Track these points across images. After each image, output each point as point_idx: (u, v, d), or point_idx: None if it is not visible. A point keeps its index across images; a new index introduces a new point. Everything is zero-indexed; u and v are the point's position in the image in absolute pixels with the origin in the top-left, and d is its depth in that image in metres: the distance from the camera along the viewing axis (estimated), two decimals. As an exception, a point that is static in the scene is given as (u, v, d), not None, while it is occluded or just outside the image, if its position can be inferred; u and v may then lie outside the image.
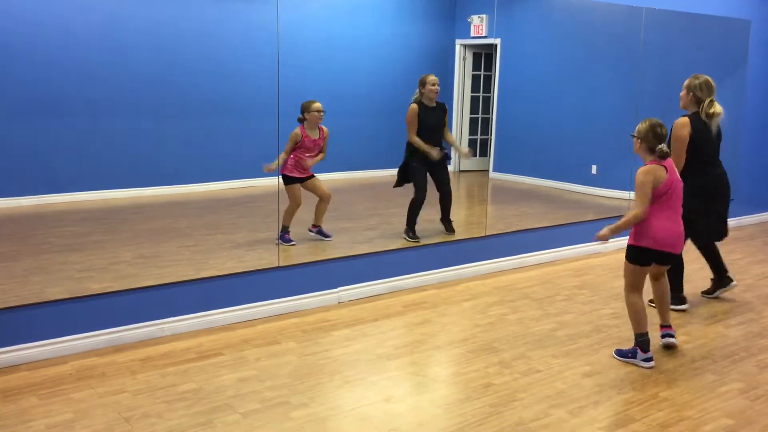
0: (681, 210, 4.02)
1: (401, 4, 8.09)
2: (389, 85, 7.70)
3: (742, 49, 7.64)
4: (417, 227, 5.90)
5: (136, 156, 6.01)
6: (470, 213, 7.34)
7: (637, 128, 4.00)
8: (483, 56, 8.61)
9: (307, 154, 5.64)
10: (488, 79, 8.62)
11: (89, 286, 4.43)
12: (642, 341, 4.04)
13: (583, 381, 3.79)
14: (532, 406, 3.48)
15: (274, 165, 5.48)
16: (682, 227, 4.02)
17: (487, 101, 8.64)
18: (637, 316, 4.05)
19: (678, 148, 4.66)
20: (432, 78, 5.89)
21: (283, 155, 5.55)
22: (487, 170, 8.14)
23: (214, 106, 6.44)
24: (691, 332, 4.58)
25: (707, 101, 4.71)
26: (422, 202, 5.95)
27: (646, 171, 3.91)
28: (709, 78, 4.77)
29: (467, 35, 8.30)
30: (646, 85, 7.31)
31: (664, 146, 3.92)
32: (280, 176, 5.58)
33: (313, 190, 5.75)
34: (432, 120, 5.92)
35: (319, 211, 5.82)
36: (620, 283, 5.65)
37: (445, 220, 6.11)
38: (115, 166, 5.89)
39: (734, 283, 5.27)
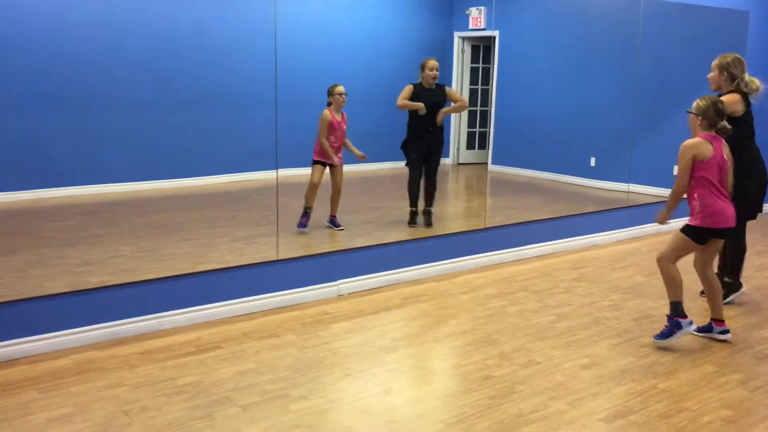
0: (727, 188, 4.10)
1: (400, -3, 8.07)
2: (387, 78, 7.68)
3: (741, 39, 7.62)
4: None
5: (134, 150, 6.00)
6: (469, 205, 7.34)
7: (695, 105, 4.04)
8: (481, 48, 8.60)
9: (332, 137, 5.83)
10: (487, 72, 8.62)
11: (88, 279, 4.43)
12: (680, 310, 4.13)
13: (582, 373, 3.80)
14: (532, 398, 3.49)
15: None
16: (731, 204, 4.11)
17: (486, 94, 8.63)
18: (675, 284, 4.13)
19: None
20: (431, 63, 6.03)
21: (322, 140, 5.78)
22: (486, 163, 8.13)
23: (213, 100, 6.43)
24: (690, 324, 4.58)
25: (747, 77, 4.68)
26: (415, 182, 6.14)
27: (688, 145, 3.99)
28: (737, 54, 4.76)
29: (465, 27, 8.28)
30: (645, 76, 7.30)
31: (725, 123, 3.99)
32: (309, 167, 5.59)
33: (333, 177, 5.93)
34: (426, 98, 5.99)
35: (333, 202, 6.00)
36: (619, 275, 5.66)
37: (426, 211, 6.19)
38: (114, 161, 5.88)
39: (743, 290, 5.15)
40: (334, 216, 5.98)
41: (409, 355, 4.00)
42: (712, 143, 3.99)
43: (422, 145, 6.07)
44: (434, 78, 6.00)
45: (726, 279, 5.05)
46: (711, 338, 4.32)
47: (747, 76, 4.72)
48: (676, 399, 3.52)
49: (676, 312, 4.15)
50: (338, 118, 5.84)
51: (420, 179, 6.15)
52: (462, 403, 3.43)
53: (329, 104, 5.83)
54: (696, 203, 4.05)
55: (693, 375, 3.81)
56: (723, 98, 4.61)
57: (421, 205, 6.19)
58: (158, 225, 5.80)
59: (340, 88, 5.78)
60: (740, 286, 5.09)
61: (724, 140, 4.07)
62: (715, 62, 4.82)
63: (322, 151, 5.85)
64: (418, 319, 4.60)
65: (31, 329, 3.89)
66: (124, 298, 4.19)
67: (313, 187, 5.83)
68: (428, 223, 6.10)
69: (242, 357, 3.92)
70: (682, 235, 4.12)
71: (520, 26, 8.22)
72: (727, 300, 4.98)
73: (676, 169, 4.10)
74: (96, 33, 5.66)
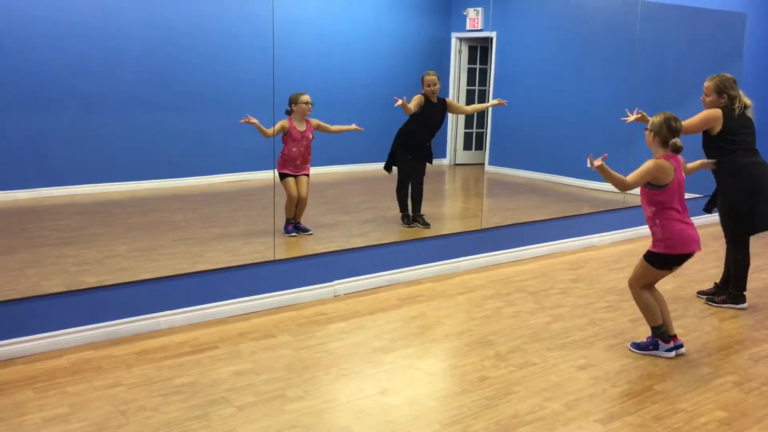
0: (685, 209, 4.01)
1: (398, -2, 8.08)
2: (385, 78, 7.70)
3: (738, 42, 7.65)
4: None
5: (131, 149, 6.01)
6: (466, 206, 7.34)
7: (651, 121, 4.01)
8: (479, 49, 8.61)
9: (294, 148, 5.63)
10: (484, 73, 8.63)
11: (84, 279, 4.43)
12: (660, 333, 4.06)
13: (578, 374, 3.81)
14: (528, 399, 3.49)
15: (253, 120, 5.29)
16: (693, 226, 4.01)
17: (483, 94, 8.64)
18: (650, 310, 4.06)
19: (698, 123, 4.74)
20: (428, 78, 5.95)
21: (268, 130, 5.40)
22: (483, 164, 8.15)
23: (210, 100, 6.43)
24: (686, 325, 4.59)
25: (740, 95, 4.79)
26: (406, 186, 6.12)
27: (658, 167, 3.87)
28: (730, 75, 4.84)
29: (463, 28, 8.30)
30: (642, 78, 7.32)
31: (677, 140, 3.93)
32: (276, 171, 5.60)
33: (298, 186, 5.73)
34: (432, 114, 6.01)
35: (298, 209, 5.79)
36: (615, 276, 5.67)
37: (417, 215, 6.14)
38: (111, 160, 5.89)
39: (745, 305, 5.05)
40: (299, 222, 5.80)
41: (405, 355, 4.01)
42: (673, 164, 3.90)
43: (412, 155, 6.08)
44: (434, 92, 5.95)
45: (730, 290, 5.01)
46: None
47: (741, 94, 4.81)
48: (671, 400, 3.53)
49: (658, 335, 4.09)
50: (301, 128, 5.62)
51: (409, 183, 6.12)
52: (458, 404, 3.44)
53: (288, 113, 5.59)
54: (658, 230, 3.94)
55: (689, 376, 3.82)
56: (703, 112, 4.73)
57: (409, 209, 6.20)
58: (155, 224, 5.80)
59: (306, 97, 5.56)
60: (743, 300, 4.99)
61: (681, 158, 4.01)
62: (710, 84, 4.81)
63: (284, 163, 5.66)
64: (415, 320, 4.60)
65: (27, 329, 3.89)
66: (120, 298, 4.19)
67: (292, 200, 5.68)
68: (425, 224, 6.09)
69: (238, 357, 3.92)
70: (645, 263, 4.03)
71: (518, 27, 8.24)
72: (726, 306, 5.00)
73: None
74: (94, 33, 5.67)
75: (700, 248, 4.01)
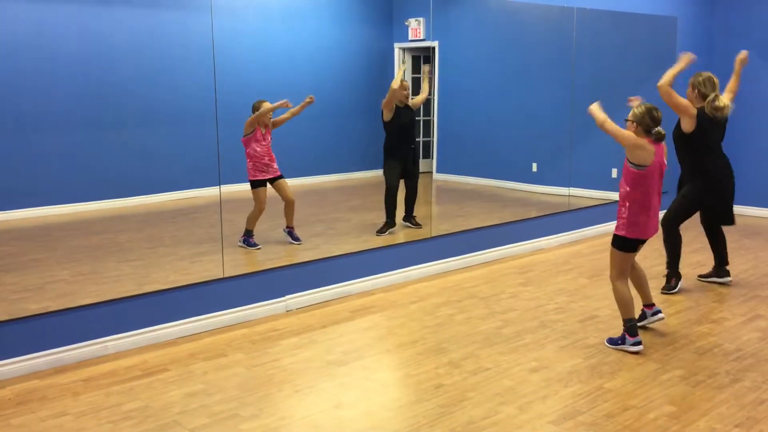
0: (659, 195, 4.18)
1: (339, 10, 8.09)
2: (329, 90, 7.68)
3: (671, 44, 7.88)
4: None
5: (70, 170, 5.85)
6: (415, 215, 7.37)
7: (632, 112, 4.11)
8: (422, 59, 8.67)
9: (258, 147, 5.72)
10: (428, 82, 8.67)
11: (26, 306, 4.29)
12: (630, 326, 4.20)
13: (531, 376, 3.85)
14: (482, 405, 3.52)
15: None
16: (658, 212, 4.21)
17: (428, 103, 8.70)
18: (625, 303, 4.21)
19: (678, 102, 4.99)
20: (405, 84, 6.41)
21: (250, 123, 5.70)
22: (431, 172, 8.20)
23: (151, 117, 6.32)
24: (633, 323, 4.69)
25: (712, 96, 4.96)
26: (394, 193, 6.30)
27: (639, 141, 4.02)
28: (711, 75, 5.06)
29: (405, 38, 8.34)
30: (581, 82, 7.48)
31: (660, 129, 4.07)
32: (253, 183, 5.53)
33: (279, 191, 5.84)
34: (404, 118, 6.32)
35: (288, 214, 5.91)
36: (563, 278, 5.76)
37: (409, 217, 6.43)
38: (49, 182, 5.72)
39: (730, 279, 5.59)
40: (292, 227, 5.88)
41: (359, 367, 3.99)
42: (654, 148, 4.06)
43: (400, 162, 6.31)
44: (406, 97, 6.36)
45: (668, 270, 5.41)
46: (647, 325, 4.52)
47: (713, 95, 4.97)
48: (621, 398, 3.60)
49: (627, 329, 4.22)
50: (263, 129, 5.78)
51: (397, 190, 6.32)
52: (414, 413, 3.44)
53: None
54: (624, 211, 4.11)
55: (637, 373, 3.90)
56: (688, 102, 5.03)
57: (400, 213, 6.39)
58: (99, 247, 5.66)
59: (267, 104, 5.72)
60: (680, 276, 5.42)
61: (663, 144, 4.17)
62: (690, 80, 5.12)
63: (255, 167, 5.73)
64: (368, 331, 4.59)
65: (-34, 361, 3.75)
66: (64, 324, 4.07)
67: (260, 212, 5.71)
68: (416, 224, 6.37)
69: (190, 379, 3.85)
70: (615, 250, 4.20)
71: (459, 36, 8.33)
72: (676, 290, 5.34)
73: (615, 172, 4.20)
74: (27, 50, 5.52)
75: (652, 235, 4.21)
